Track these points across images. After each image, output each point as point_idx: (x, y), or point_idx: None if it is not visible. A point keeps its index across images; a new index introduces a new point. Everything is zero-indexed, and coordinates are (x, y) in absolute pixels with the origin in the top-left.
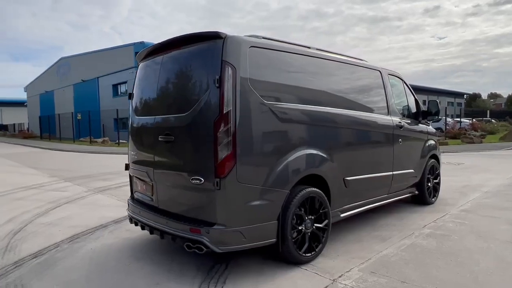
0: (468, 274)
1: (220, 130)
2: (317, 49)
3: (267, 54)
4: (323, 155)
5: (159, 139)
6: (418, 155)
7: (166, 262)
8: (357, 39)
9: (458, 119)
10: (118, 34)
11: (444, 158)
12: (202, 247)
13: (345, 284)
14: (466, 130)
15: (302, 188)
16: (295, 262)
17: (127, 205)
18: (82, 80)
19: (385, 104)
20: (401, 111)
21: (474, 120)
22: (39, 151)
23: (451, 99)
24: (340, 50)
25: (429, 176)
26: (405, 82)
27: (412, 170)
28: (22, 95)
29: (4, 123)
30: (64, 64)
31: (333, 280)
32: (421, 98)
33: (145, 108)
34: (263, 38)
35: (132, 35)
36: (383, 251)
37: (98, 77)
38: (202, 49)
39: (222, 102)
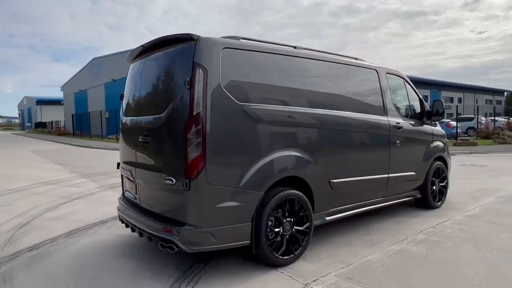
0: (450, 284)
1: (190, 131)
2: (304, 48)
3: (242, 55)
4: (304, 157)
5: (139, 139)
6: (421, 157)
7: (148, 260)
8: (390, 35)
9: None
10: (152, 34)
11: (468, 159)
12: (174, 246)
13: None
14: (501, 129)
15: (280, 190)
16: (271, 264)
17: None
18: (112, 79)
19: (381, 104)
20: (402, 112)
21: (511, 119)
22: (69, 148)
23: (490, 97)
24: (372, 46)
25: (434, 179)
26: (407, 81)
27: (413, 173)
28: (60, 94)
29: (43, 120)
30: (96, 64)
31: (305, 284)
32: (456, 95)
33: (130, 109)
34: (243, 39)
35: (166, 33)
36: (367, 256)
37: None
38: (177, 51)
39: (192, 104)
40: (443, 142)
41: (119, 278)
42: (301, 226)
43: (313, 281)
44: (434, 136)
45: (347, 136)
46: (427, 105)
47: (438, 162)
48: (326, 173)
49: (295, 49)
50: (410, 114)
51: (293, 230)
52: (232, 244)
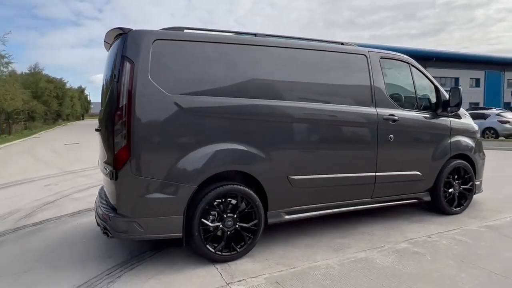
0: None
1: (117, 123)
2: (267, 35)
3: (177, 46)
4: (252, 151)
5: (95, 130)
6: (429, 154)
7: (111, 244)
8: (504, 11)
9: None
10: (242, 26)
11: None
12: (108, 232)
13: None
14: None
15: (220, 185)
16: (209, 259)
17: None
18: None
19: (369, 94)
20: (403, 102)
21: None
22: None
23: None
24: (480, 26)
25: (451, 180)
26: (414, 66)
27: (417, 172)
28: None
29: None
30: None
31: (227, 283)
32: None
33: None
34: (187, 29)
35: (254, 26)
36: (319, 262)
37: None
38: (116, 44)
39: (118, 96)
40: (469, 138)
41: (75, 257)
42: (246, 223)
43: (238, 281)
44: (454, 130)
45: (312, 130)
46: (445, 94)
47: (459, 161)
48: (283, 169)
49: (246, 37)
50: (417, 104)
51: (237, 226)
52: (162, 235)
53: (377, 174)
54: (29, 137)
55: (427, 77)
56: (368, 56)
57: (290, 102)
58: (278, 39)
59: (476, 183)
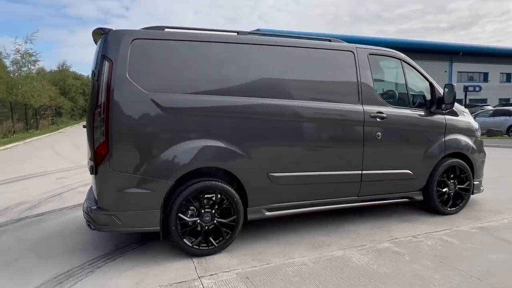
0: None
1: (96, 120)
2: (250, 33)
3: (157, 45)
4: (230, 147)
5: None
6: (421, 153)
7: (100, 237)
8: None
9: None
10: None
11: None
12: (91, 225)
13: (201, 283)
14: None
15: (198, 181)
16: (187, 253)
17: None
18: None
19: (356, 91)
20: (393, 99)
21: None
22: None
23: None
24: None
25: (445, 179)
26: (407, 63)
27: (407, 171)
28: None
29: None
30: None
31: (199, 277)
32: None
33: None
34: (168, 28)
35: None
36: (295, 259)
37: None
38: (98, 44)
39: (98, 94)
40: (467, 136)
41: (65, 248)
42: (225, 218)
43: (210, 275)
44: (449, 128)
45: (292, 127)
46: (441, 91)
47: (455, 160)
48: (262, 166)
49: (226, 36)
50: (408, 101)
51: (216, 221)
52: (140, 228)
53: (364, 172)
54: (54, 132)
55: (421, 73)
56: (355, 53)
57: (269, 99)
58: (261, 37)
59: (475, 182)
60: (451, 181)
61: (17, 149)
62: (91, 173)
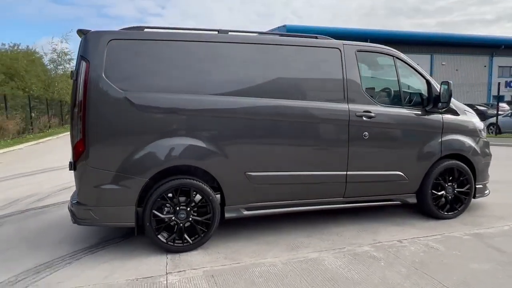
0: None
1: (74, 118)
2: (232, 31)
3: (133, 45)
4: (204, 146)
5: None
6: (414, 154)
7: (89, 230)
8: None
9: None
10: (299, 18)
11: None
12: (72, 219)
13: (166, 279)
14: None
15: (172, 178)
16: (162, 248)
17: None
18: None
19: (341, 89)
20: (384, 98)
21: None
22: None
23: None
24: None
25: (442, 182)
26: (400, 59)
27: (398, 173)
28: None
29: None
30: None
31: (167, 273)
32: None
33: None
34: (148, 28)
35: (310, 17)
36: (267, 259)
37: None
38: (79, 44)
39: (76, 93)
40: (468, 137)
41: (55, 239)
42: (201, 216)
43: (178, 271)
44: (447, 128)
45: (271, 126)
46: (438, 89)
47: (453, 162)
48: (239, 164)
49: (203, 34)
50: (401, 100)
51: (191, 219)
52: (115, 223)
53: (349, 173)
54: None
55: (417, 70)
56: (341, 50)
57: (245, 98)
58: (240, 35)
59: (477, 186)
60: (449, 184)
61: (49, 143)
62: (69, 169)
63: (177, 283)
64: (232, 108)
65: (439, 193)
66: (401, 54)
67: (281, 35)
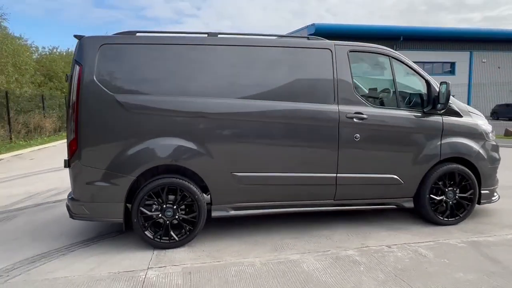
0: None
1: (69, 119)
2: (221, 33)
3: (123, 49)
4: (190, 146)
5: None
6: (410, 156)
7: (90, 225)
8: None
9: None
10: (333, 15)
11: None
12: (69, 213)
13: (146, 274)
14: None
15: (160, 177)
16: (149, 244)
17: None
18: None
19: (331, 90)
20: (378, 99)
21: None
22: None
23: None
24: None
25: (441, 186)
26: (396, 59)
27: (393, 176)
28: None
29: None
30: None
31: (148, 268)
32: None
33: None
34: (139, 32)
35: (346, 14)
36: (247, 259)
37: None
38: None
39: (70, 95)
40: (472, 140)
41: (57, 232)
42: (187, 215)
43: (159, 267)
44: (448, 131)
45: (257, 127)
46: (438, 89)
47: (453, 166)
48: (225, 165)
49: (191, 37)
50: (397, 101)
51: (177, 217)
52: (104, 219)
53: (339, 175)
54: None
55: (415, 70)
56: (332, 50)
57: (230, 99)
58: (228, 37)
59: (483, 191)
60: (450, 188)
61: None
62: (64, 167)
63: (154, 278)
64: (217, 109)
65: (438, 198)
66: (397, 53)
67: (272, 35)
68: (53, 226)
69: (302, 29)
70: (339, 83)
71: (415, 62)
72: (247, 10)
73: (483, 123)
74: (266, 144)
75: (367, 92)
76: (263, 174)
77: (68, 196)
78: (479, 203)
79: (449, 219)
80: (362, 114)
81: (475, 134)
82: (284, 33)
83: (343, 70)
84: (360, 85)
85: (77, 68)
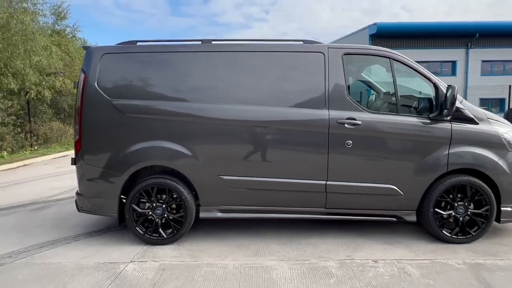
0: None
1: (75, 121)
2: (214, 40)
3: (122, 58)
4: (178, 149)
5: None
6: (411, 166)
7: (102, 218)
8: None
9: None
10: (408, 12)
11: None
12: (76, 206)
13: (126, 266)
14: None
15: (151, 177)
16: (141, 239)
17: None
18: None
19: (321, 94)
20: (377, 103)
21: None
22: None
23: None
24: None
25: (449, 200)
26: (398, 61)
27: (391, 186)
28: None
29: None
30: None
31: (130, 261)
32: None
33: None
34: (140, 42)
35: (424, 11)
36: (223, 261)
37: None
38: None
39: (76, 100)
40: (488, 150)
41: (71, 223)
42: (175, 214)
43: (140, 261)
44: (458, 139)
45: (244, 132)
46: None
47: (464, 178)
48: (212, 167)
49: (185, 45)
50: (397, 106)
51: (166, 216)
52: (103, 213)
53: (329, 182)
54: None
55: (421, 73)
56: (325, 54)
57: (220, 104)
58: (221, 44)
59: (504, 209)
60: (460, 203)
61: None
62: (71, 164)
63: (130, 270)
64: (206, 114)
65: (446, 213)
66: (400, 55)
67: (265, 40)
68: (73, 217)
69: (363, 29)
70: (331, 87)
71: (493, 62)
72: (316, 11)
73: (505, 131)
74: (254, 148)
75: (363, 96)
76: (250, 178)
77: (76, 191)
78: (498, 221)
79: (458, 237)
80: (355, 119)
81: (494, 143)
82: (347, 34)
83: (336, 74)
84: (356, 89)
85: (82, 75)
